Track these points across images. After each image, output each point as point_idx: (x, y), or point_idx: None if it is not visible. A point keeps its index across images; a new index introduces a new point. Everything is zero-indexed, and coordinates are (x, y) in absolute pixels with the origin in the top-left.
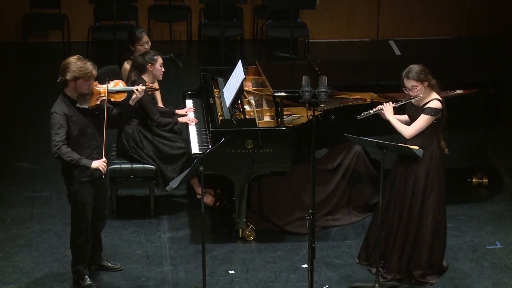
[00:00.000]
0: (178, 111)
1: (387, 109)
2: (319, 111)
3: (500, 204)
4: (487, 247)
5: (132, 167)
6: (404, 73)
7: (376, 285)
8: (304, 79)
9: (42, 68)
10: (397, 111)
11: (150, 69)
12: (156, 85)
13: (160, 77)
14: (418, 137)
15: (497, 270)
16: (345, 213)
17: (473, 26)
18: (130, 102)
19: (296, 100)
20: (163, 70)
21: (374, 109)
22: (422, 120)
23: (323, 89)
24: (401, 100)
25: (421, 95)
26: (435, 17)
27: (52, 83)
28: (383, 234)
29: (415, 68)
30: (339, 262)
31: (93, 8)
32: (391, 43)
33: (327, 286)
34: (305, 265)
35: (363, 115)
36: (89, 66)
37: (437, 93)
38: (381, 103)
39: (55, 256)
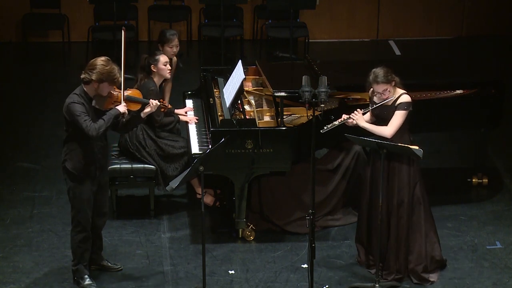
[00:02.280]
0: (177, 111)
1: (358, 117)
2: (319, 111)
3: (500, 204)
4: (487, 247)
5: (132, 167)
6: (371, 79)
7: (376, 285)
8: (304, 79)
9: (42, 68)
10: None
11: (154, 70)
12: (169, 105)
13: (167, 75)
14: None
15: (497, 270)
16: (345, 213)
17: (473, 26)
18: (142, 114)
19: (296, 100)
20: (169, 68)
21: (340, 120)
22: (399, 116)
23: (323, 89)
24: (370, 105)
25: (393, 96)
26: (435, 17)
27: (52, 83)
28: (374, 233)
29: (380, 71)
30: (339, 262)
31: (93, 8)
32: (391, 43)
33: (327, 286)
34: (305, 265)
35: (327, 129)
36: (117, 72)
37: (401, 88)
38: (346, 113)
39: (55, 256)
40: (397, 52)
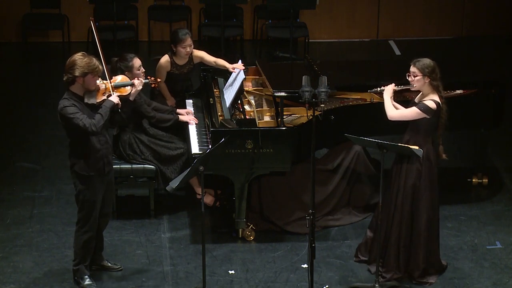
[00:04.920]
0: (179, 111)
1: (387, 88)
2: (319, 111)
3: (500, 204)
4: (487, 247)
5: (132, 167)
6: (414, 60)
7: (376, 285)
8: (304, 79)
9: (42, 68)
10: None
11: (129, 76)
12: (158, 79)
13: (142, 78)
14: (414, 137)
15: (497, 270)
16: (345, 213)
17: (473, 26)
18: (130, 97)
19: (296, 100)
20: (143, 70)
21: (381, 88)
22: (410, 111)
23: (323, 89)
24: (403, 85)
25: (415, 85)
26: (435, 17)
27: (52, 83)
28: (382, 232)
29: (425, 60)
30: (339, 262)
31: (93, 8)
32: (391, 43)
33: (327, 286)
34: (305, 265)
35: (373, 90)
36: (96, 61)
37: (439, 97)
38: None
39: (55, 256)
40: (397, 52)
